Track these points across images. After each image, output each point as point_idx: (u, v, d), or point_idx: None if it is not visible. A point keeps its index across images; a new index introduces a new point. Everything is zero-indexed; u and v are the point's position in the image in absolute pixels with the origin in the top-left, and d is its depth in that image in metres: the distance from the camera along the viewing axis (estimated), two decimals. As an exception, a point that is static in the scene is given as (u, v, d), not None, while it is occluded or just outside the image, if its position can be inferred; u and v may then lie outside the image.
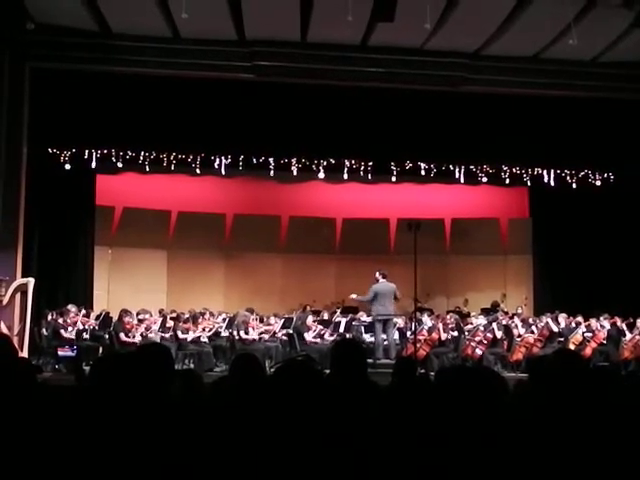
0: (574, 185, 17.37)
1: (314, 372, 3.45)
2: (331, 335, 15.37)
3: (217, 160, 16.65)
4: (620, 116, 16.10)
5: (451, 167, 17.14)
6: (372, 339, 14.99)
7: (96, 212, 17.78)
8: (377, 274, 15.15)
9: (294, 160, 16.88)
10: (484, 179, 17.66)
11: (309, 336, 15.17)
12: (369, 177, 17.54)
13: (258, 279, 18.95)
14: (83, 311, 15.24)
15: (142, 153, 16.30)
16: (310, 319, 15.71)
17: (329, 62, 14.82)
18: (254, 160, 16.66)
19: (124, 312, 14.52)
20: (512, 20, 13.55)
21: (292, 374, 3.35)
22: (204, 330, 15.12)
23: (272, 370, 4.10)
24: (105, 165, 16.52)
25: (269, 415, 3.19)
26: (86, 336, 14.60)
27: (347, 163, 17.01)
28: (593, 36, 13.84)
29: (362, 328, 15.71)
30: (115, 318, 14.69)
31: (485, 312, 16.74)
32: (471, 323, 15.75)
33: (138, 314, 14.92)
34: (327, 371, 4.13)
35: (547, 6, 12.83)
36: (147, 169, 16.83)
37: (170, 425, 3.13)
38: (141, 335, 14.35)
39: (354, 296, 15.47)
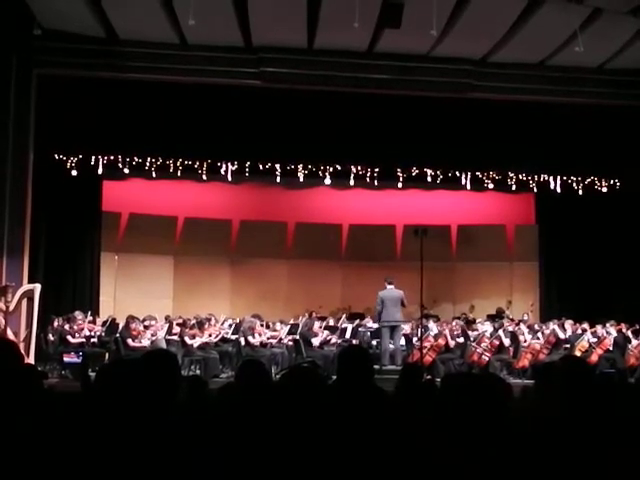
0: (580, 192, 17.41)
1: (319, 378, 3.45)
2: (337, 341, 15.36)
3: (223, 166, 16.72)
4: (626, 123, 16.08)
5: (457, 173, 17.20)
6: (378, 345, 14.99)
7: (102, 218, 17.83)
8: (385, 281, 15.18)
9: (300, 166, 16.94)
10: (490, 185, 17.69)
11: (315, 342, 15.15)
12: (375, 183, 17.59)
13: (264, 285, 18.95)
14: (89, 317, 15.27)
15: (148, 159, 16.38)
16: (316, 325, 15.71)
17: (335, 68, 14.80)
18: (260, 166, 16.74)
19: (130, 318, 14.51)
20: (518, 27, 13.53)
21: (298, 380, 3.35)
22: (210, 336, 15.12)
23: (278, 376, 4.10)
24: (111, 171, 16.61)
25: (275, 421, 3.19)
26: (93, 342, 14.62)
27: (353, 169, 17.05)
28: (599, 43, 13.83)
29: (368, 334, 15.71)
30: (122, 324, 14.69)
31: (490, 319, 16.72)
32: (477, 329, 15.73)
33: (144, 320, 14.91)
34: (334, 377, 4.13)
35: (553, 13, 12.82)
36: (153, 175, 16.92)
37: (176, 431, 3.14)
38: (147, 341, 14.35)
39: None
